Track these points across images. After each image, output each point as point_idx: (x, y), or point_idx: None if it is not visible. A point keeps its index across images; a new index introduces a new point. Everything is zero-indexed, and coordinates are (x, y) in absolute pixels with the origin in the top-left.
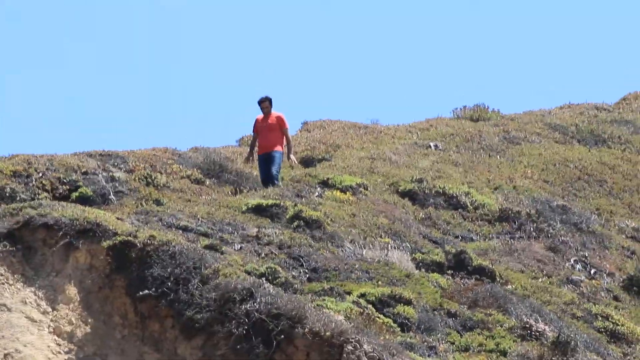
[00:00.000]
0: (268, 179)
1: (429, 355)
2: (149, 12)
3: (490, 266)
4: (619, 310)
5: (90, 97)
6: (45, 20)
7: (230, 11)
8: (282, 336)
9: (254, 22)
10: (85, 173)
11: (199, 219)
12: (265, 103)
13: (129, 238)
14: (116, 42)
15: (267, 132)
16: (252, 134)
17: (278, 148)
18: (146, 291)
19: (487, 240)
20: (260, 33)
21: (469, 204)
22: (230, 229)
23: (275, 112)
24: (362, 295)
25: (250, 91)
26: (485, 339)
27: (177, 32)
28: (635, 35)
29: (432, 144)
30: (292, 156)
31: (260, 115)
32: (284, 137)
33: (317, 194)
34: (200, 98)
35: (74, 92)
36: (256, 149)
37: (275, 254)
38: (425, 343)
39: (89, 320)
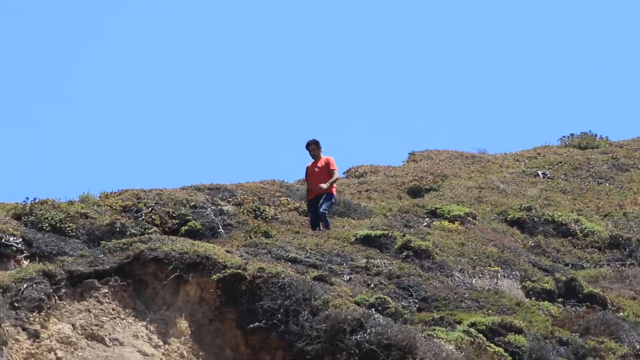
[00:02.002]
0: (316, 220)
1: None
2: (254, 41)
3: (602, 293)
4: None
5: (198, 130)
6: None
7: (333, 47)
8: None
9: (363, 55)
10: (194, 207)
11: (307, 251)
12: (312, 146)
13: (239, 271)
14: (224, 75)
15: (317, 176)
16: (305, 181)
17: (329, 191)
18: (257, 323)
19: (597, 267)
20: (369, 65)
21: (578, 232)
22: (339, 260)
23: (324, 155)
24: (473, 325)
25: (355, 123)
26: None
27: (290, 62)
28: None
29: (540, 172)
30: (326, 185)
31: (311, 162)
32: (333, 178)
33: (425, 223)
34: (307, 130)
35: (182, 125)
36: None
37: (385, 285)
38: None
39: (201, 353)
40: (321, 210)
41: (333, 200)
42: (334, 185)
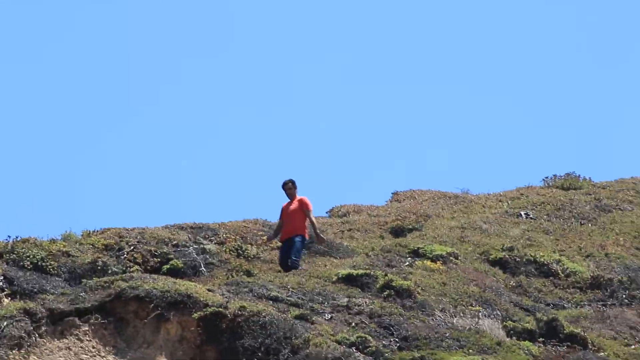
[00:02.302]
0: (285, 265)
1: None
2: (245, 66)
3: (583, 333)
4: None
5: (181, 170)
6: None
7: (309, 76)
8: None
9: (345, 96)
10: (176, 245)
11: (289, 290)
12: (288, 185)
13: (220, 309)
14: (207, 116)
15: (291, 217)
16: (279, 220)
17: (299, 233)
18: None
19: (579, 307)
20: (349, 98)
21: (560, 272)
22: (320, 298)
23: (299, 196)
24: None
25: (339, 163)
26: None
27: (263, 93)
28: None
29: (523, 213)
30: (320, 235)
31: (287, 202)
32: (309, 220)
33: (407, 263)
34: (289, 169)
35: (166, 165)
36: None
37: (366, 324)
38: None
39: None
40: (291, 262)
41: (304, 241)
42: (305, 226)
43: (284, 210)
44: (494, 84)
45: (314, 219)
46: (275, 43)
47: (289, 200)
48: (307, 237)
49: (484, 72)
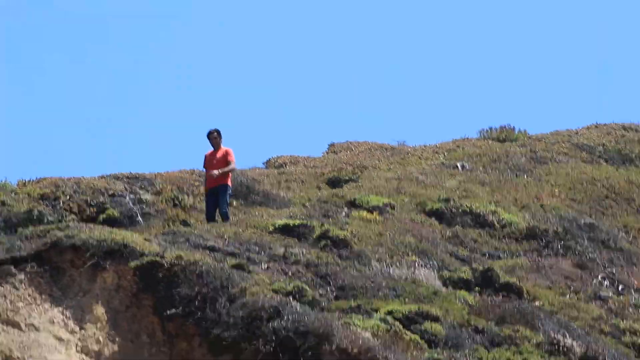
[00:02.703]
0: (213, 212)
1: None
2: (179, 26)
3: (518, 283)
4: None
5: (116, 120)
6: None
7: (253, 25)
8: (310, 353)
9: (281, 39)
10: (113, 195)
11: (226, 239)
12: (213, 134)
13: (156, 258)
14: (145, 64)
15: (215, 166)
16: (203, 169)
17: (224, 182)
18: (174, 310)
19: (514, 257)
20: (286, 51)
21: (496, 223)
22: (257, 248)
23: (224, 146)
24: (390, 313)
25: (278, 111)
26: (513, 355)
27: (203, 50)
28: None
29: (459, 164)
30: (217, 171)
31: (210, 150)
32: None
33: (344, 214)
34: (226, 119)
35: (100, 113)
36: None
37: (302, 273)
38: (453, 359)
39: (117, 339)
40: (223, 211)
41: (229, 192)
42: (229, 175)
43: (207, 160)
44: (433, 35)
45: (234, 167)
46: None
47: (213, 149)
48: (230, 185)
49: (423, 23)
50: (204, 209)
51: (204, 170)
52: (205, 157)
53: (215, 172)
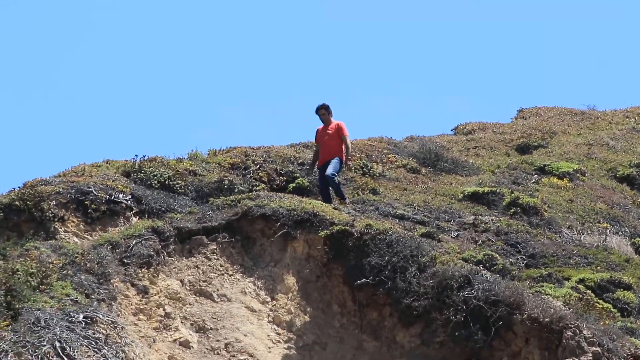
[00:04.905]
0: (326, 188)
1: None
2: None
3: None
4: None
5: (304, 89)
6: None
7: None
8: (501, 323)
9: (474, 14)
10: (302, 164)
11: (415, 208)
12: (322, 111)
13: (346, 227)
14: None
15: (327, 141)
16: (315, 144)
17: (337, 156)
18: (364, 280)
19: None
20: (478, 23)
21: None
22: (446, 216)
23: (335, 120)
24: (581, 281)
25: (463, 81)
26: None
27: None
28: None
29: None
30: (349, 162)
31: (321, 125)
32: (344, 145)
33: (533, 180)
34: (416, 86)
35: (288, 85)
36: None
37: (493, 241)
38: None
39: (308, 309)
40: (329, 174)
41: (341, 163)
42: (342, 150)
43: (319, 134)
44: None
45: (349, 143)
46: None
47: (324, 124)
48: (344, 159)
49: None
50: (392, 177)
51: (315, 145)
52: (317, 131)
53: (350, 164)
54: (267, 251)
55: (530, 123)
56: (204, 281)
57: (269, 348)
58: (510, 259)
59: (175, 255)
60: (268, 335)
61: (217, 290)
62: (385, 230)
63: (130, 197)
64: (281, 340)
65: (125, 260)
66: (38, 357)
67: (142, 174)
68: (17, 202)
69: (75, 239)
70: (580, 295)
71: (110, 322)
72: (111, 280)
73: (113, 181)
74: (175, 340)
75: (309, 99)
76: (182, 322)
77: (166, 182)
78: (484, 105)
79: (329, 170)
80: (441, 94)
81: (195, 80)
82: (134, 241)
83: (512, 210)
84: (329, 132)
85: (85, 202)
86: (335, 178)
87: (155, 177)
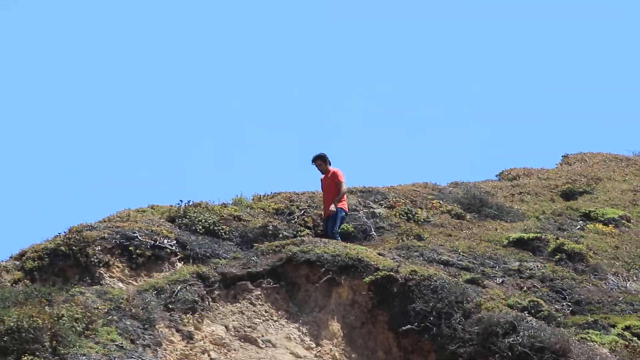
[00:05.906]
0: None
1: None
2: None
3: None
4: None
5: (350, 136)
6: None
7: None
8: None
9: (517, 55)
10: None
11: (460, 253)
12: (318, 161)
13: (391, 273)
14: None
15: (326, 190)
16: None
17: (338, 205)
18: (409, 326)
19: None
20: (526, 69)
21: None
22: (491, 262)
23: (332, 168)
24: (627, 328)
25: (509, 126)
26: None
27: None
28: None
29: None
30: (333, 207)
31: (322, 175)
32: (338, 190)
33: (578, 226)
34: (459, 133)
35: (335, 130)
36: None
37: (538, 287)
38: None
39: (353, 356)
40: (329, 233)
41: (343, 215)
42: (344, 199)
43: (322, 184)
44: None
45: (344, 190)
46: None
47: (323, 174)
48: (345, 209)
49: None
50: (437, 222)
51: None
52: (321, 181)
53: (332, 207)
54: (311, 297)
55: (575, 169)
56: (249, 327)
57: None
58: (556, 306)
59: (220, 301)
60: None
61: (262, 336)
62: (430, 276)
63: (175, 242)
64: None
65: (170, 306)
66: None
67: (186, 219)
68: (62, 248)
69: (120, 285)
70: (627, 342)
71: None
72: (156, 326)
73: (158, 226)
74: None
75: (349, 143)
76: None
77: (211, 228)
78: (528, 150)
79: (330, 228)
80: (486, 139)
81: (239, 129)
82: (179, 287)
83: (558, 256)
84: (328, 181)
85: (130, 248)
86: (337, 236)
87: (200, 223)
